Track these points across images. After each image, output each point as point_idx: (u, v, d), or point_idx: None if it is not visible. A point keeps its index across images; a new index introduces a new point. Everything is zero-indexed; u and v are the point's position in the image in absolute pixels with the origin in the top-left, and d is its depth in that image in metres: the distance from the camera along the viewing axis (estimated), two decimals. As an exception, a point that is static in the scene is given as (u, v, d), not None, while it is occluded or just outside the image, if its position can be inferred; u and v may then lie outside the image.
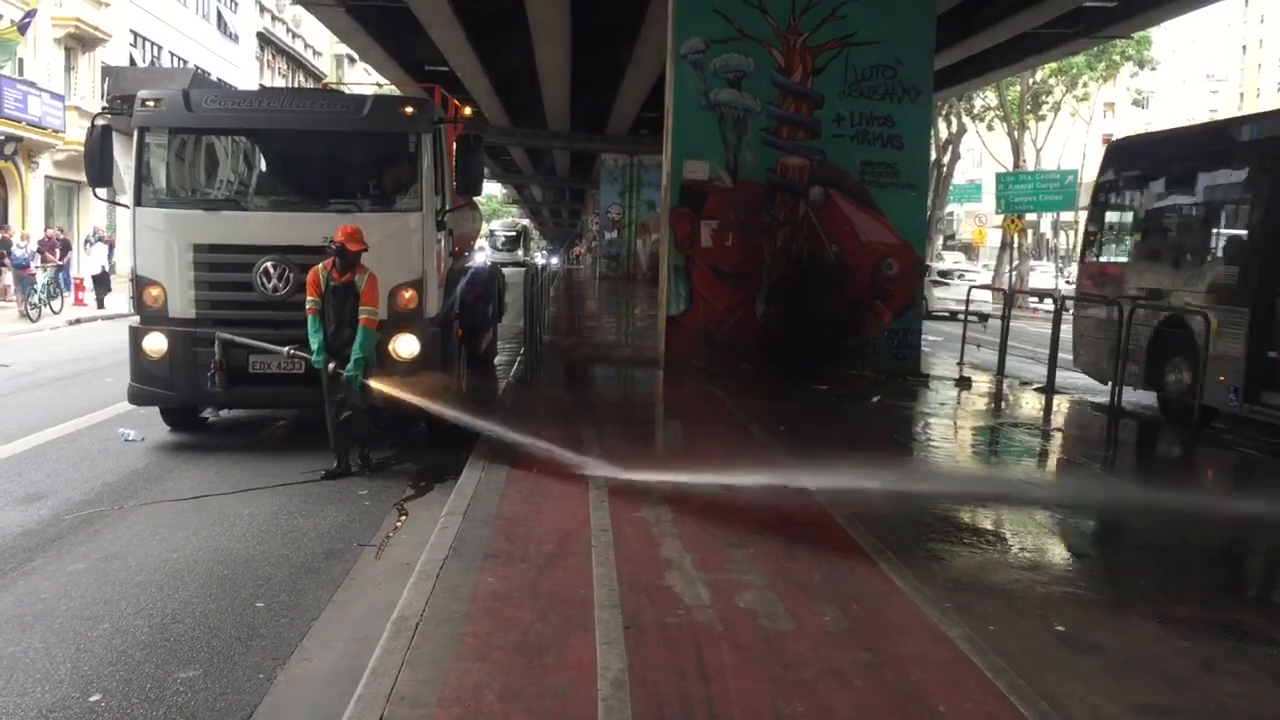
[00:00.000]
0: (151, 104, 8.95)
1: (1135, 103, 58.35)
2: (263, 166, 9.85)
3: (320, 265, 8.10)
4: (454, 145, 9.77)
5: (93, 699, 4.32)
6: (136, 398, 9.17)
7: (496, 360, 13.86)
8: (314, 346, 8.13)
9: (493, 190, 71.03)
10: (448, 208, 9.60)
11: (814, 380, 12.87)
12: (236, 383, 8.77)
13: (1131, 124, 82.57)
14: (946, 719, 3.91)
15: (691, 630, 4.67)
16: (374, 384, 8.22)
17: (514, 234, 58.34)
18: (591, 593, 5.08)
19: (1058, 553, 6.63)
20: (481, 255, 15.57)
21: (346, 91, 11.45)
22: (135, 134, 9.01)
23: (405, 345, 8.80)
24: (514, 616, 4.76)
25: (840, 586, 5.37)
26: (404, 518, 7.29)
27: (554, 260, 60.24)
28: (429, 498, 7.82)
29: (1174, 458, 10.15)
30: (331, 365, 8.08)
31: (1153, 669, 4.51)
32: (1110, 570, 6.17)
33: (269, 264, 8.68)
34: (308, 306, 8.06)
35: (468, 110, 16.78)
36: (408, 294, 8.85)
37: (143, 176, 9.01)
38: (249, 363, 8.75)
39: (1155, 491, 8.31)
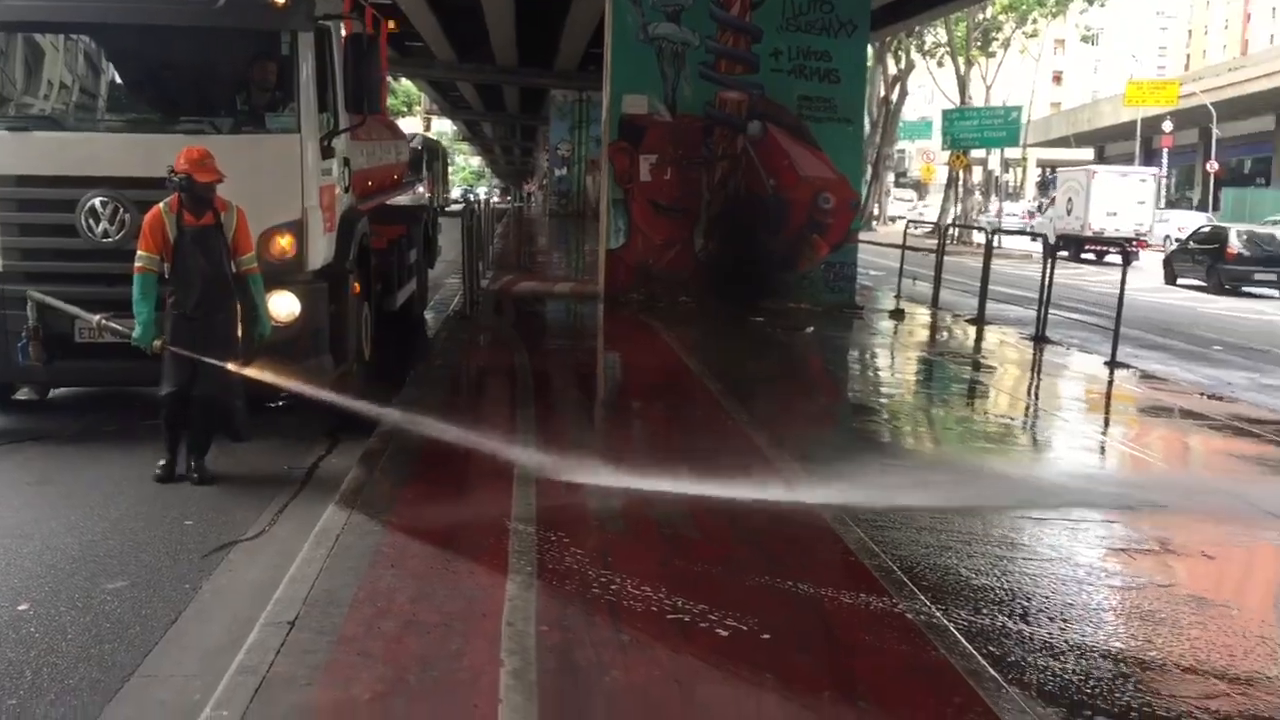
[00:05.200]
0: None
1: (1084, 39, 58.67)
2: (90, 73, 7.61)
3: (161, 205, 6.07)
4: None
5: (20, 608, 4.49)
6: None
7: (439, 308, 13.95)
8: (139, 318, 6.05)
9: (443, 127, 70.30)
10: (339, 129, 7.70)
11: (751, 312, 13.11)
12: (59, 355, 6.83)
13: (1081, 61, 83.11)
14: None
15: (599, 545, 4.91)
16: (234, 366, 6.18)
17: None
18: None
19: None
20: (410, 192, 14.33)
21: None
22: None
23: (282, 305, 6.90)
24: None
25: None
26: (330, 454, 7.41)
27: (506, 198, 59.98)
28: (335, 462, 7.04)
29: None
30: (158, 342, 6.09)
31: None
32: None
33: (97, 201, 6.76)
34: (137, 264, 6.03)
35: (392, 24, 14.81)
36: (283, 240, 6.95)
37: None
38: (74, 329, 6.79)
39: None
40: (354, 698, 3.44)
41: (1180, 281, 24.44)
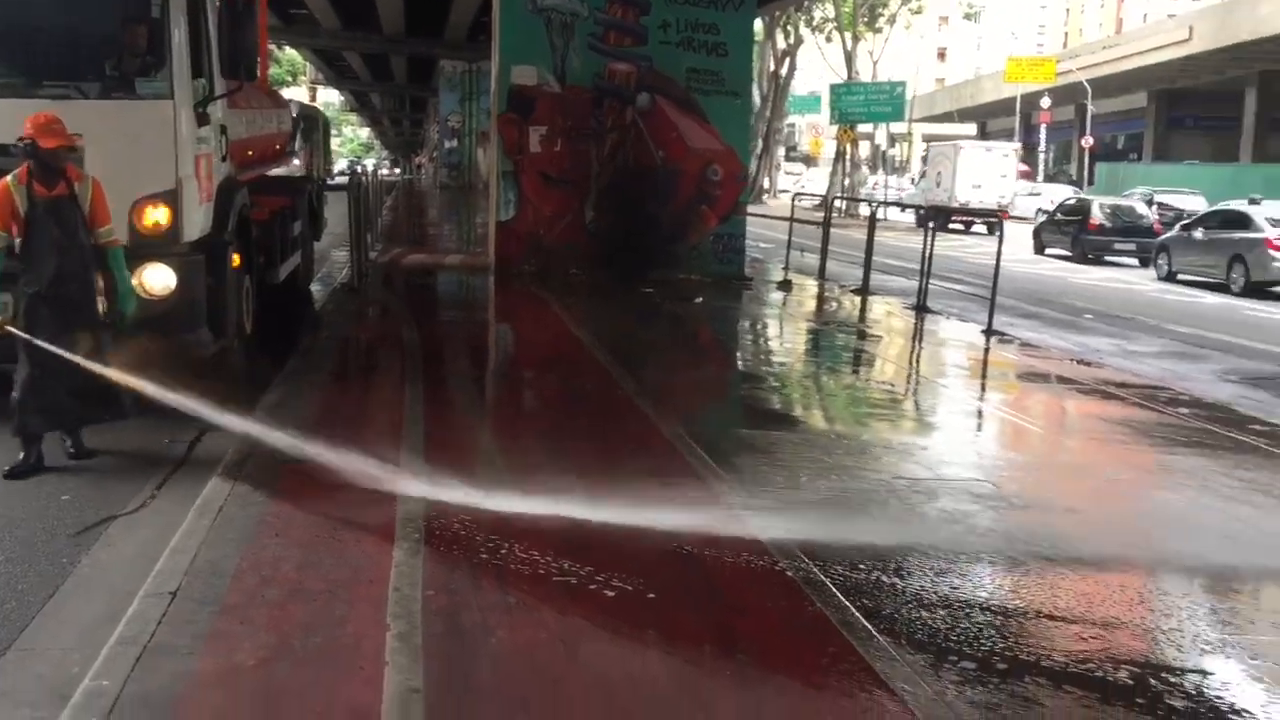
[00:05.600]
0: None
1: (967, 16, 60.05)
2: None
3: (9, 177, 5.61)
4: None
5: (-113, 587, 4.36)
6: None
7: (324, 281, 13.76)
8: None
9: (330, 98, 68.83)
10: (214, 95, 7.33)
11: (642, 284, 13.21)
12: None
13: (965, 38, 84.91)
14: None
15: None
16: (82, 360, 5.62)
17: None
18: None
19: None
20: (293, 163, 13.83)
21: None
22: None
23: (157, 278, 6.54)
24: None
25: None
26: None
27: (395, 171, 59.04)
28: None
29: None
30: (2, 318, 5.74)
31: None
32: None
33: None
34: None
35: None
36: (156, 210, 6.60)
37: None
38: None
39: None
40: (237, 664, 3.44)
41: (1048, 251, 25.40)
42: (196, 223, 7.00)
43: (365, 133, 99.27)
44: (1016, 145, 39.71)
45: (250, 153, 9.19)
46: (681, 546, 4.56)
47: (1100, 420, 7.85)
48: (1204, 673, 3.70)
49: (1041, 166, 51.03)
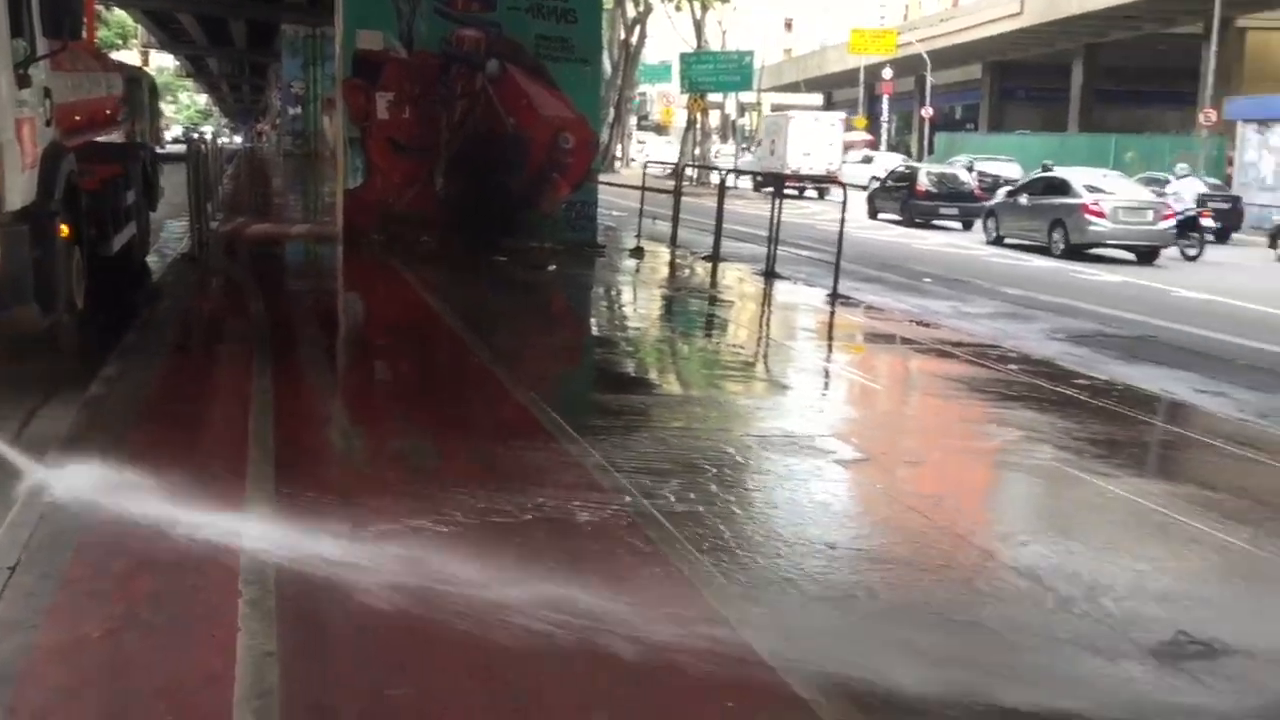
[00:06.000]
0: None
1: (812, -12, 61.02)
2: None
3: None
4: None
5: None
6: None
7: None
8: None
9: (165, 62, 66.00)
10: (36, 56, 6.89)
11: (494, 252, 13.16)
12: None
13: (811, 8, 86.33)
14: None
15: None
16: None
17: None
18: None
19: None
20: (126, 129, 13.17)
21: None
22: None
23: None
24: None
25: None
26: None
27: (236, 138, 57.06)
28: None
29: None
30: None
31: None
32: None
33: None
34: None
35: None
36: None
37: None
38: None
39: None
40: (83, 636, 3.37)
41: (880, 216, 26.58)
42: (19, 190, 6.58)
43: (203, 99, 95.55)
44: (843, 115, 41.91)
45: (78, 118, 8.77)
46: (542, 505, 4.63)
47: (937, 377, 8.21)
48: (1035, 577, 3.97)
49: (884, 137, 52.47)
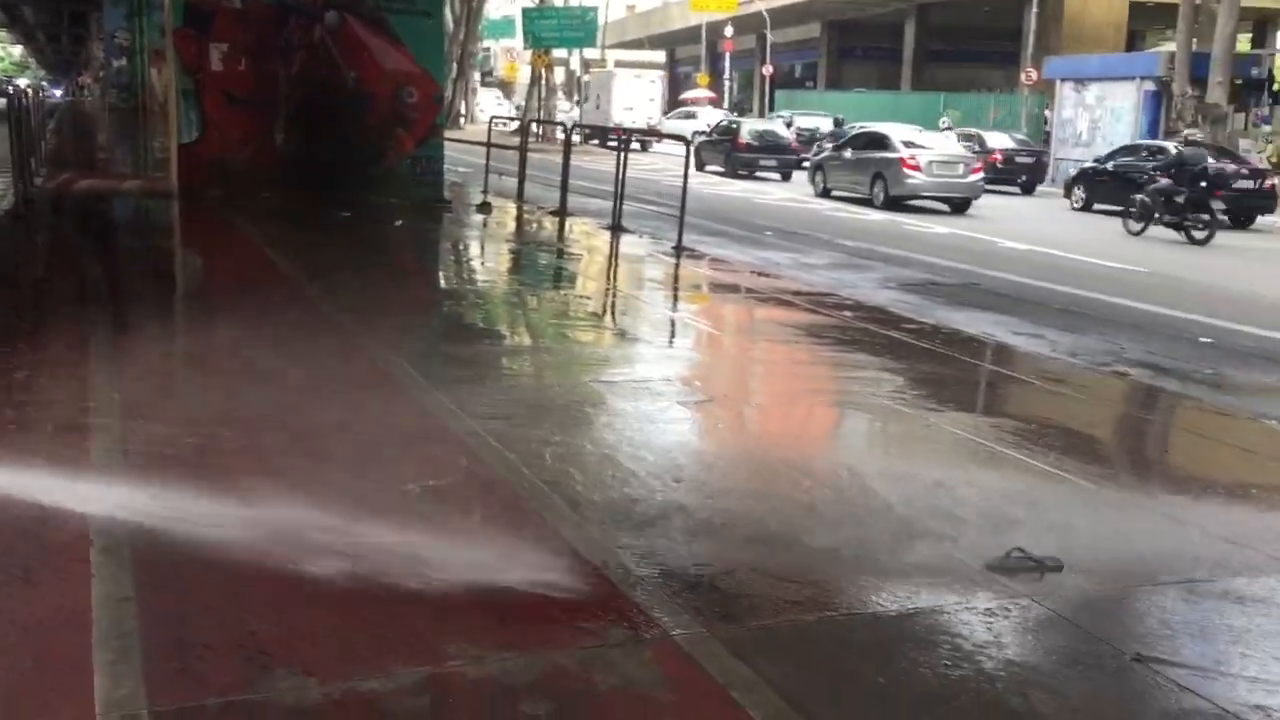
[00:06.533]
0: None
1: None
2: None
3: None
4: None
5: None
6: None
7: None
8: None
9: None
10: None
11: (339, 207, 12.97)
12: None
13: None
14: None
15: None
16: None
17: None
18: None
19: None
20: None
21: None
22: None
23: None
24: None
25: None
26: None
27: (55, 92, 54.07)
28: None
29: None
30: None
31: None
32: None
33: None
34: None
35: None
36: None
37: None
38: None
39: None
40: (-71, 590, 3.34)
41: (707, 169, 27.84)
42: None
43: (18, 50, 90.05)
44: (660, 73, 45.00)
45: None
46: (392, 451, 4.71)
47: (777, 324, 8.55)
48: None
49: (727, 94, 53.11)
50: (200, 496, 4.16)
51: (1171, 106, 25.97)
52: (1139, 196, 17.58)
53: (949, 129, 25.45)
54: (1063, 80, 29.97)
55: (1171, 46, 29.24)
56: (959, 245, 15.35)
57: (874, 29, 48.84)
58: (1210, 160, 18.29)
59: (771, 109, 45.94)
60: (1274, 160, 27.81)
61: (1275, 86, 27.65)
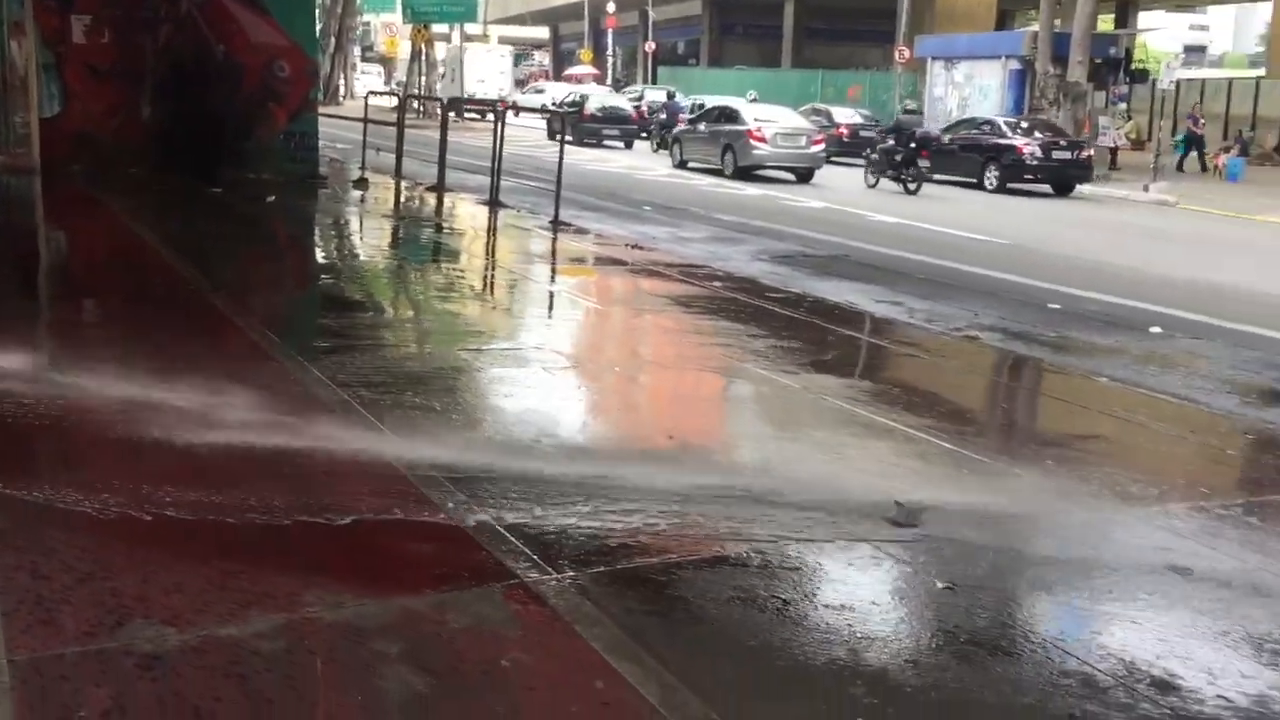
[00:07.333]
0: None
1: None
2: None
3: None
4: None
5: None
6: None
7: None
8: None
9: None
10: None
11: (209, 183, 12.78)
12: None
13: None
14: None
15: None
16: None
17: None
18: None
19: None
20: None
21: None
22: None
23: None
24: None
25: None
26: None
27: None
28: None
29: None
30: None
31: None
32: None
33: None
34: None
35: None
36: None
37: None
38: None
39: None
40: None
41: (558, 138, 27.64)
42: None
43: None
44: (510, 48, 49.81)
45: None
46: (258, 422, 4.78)
47: (648, 294, 8.77)
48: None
49: (610, 70, 53.22)
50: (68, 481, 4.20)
51: (1035, 84, 26.95)
52: (870, 154, 20.97)
53: (755, 101, 27.83)
54: (933, 59, 30.86)
55: (1037, 26, 30.29)
56: (833, 219, 15.78)
57: (755, 7, 49.44)
58: (919, 128, 22.73)
59: (655, 83, 46.19)
60: (1133, 137, 29.18)
61: (1132, 66, 28.92)
